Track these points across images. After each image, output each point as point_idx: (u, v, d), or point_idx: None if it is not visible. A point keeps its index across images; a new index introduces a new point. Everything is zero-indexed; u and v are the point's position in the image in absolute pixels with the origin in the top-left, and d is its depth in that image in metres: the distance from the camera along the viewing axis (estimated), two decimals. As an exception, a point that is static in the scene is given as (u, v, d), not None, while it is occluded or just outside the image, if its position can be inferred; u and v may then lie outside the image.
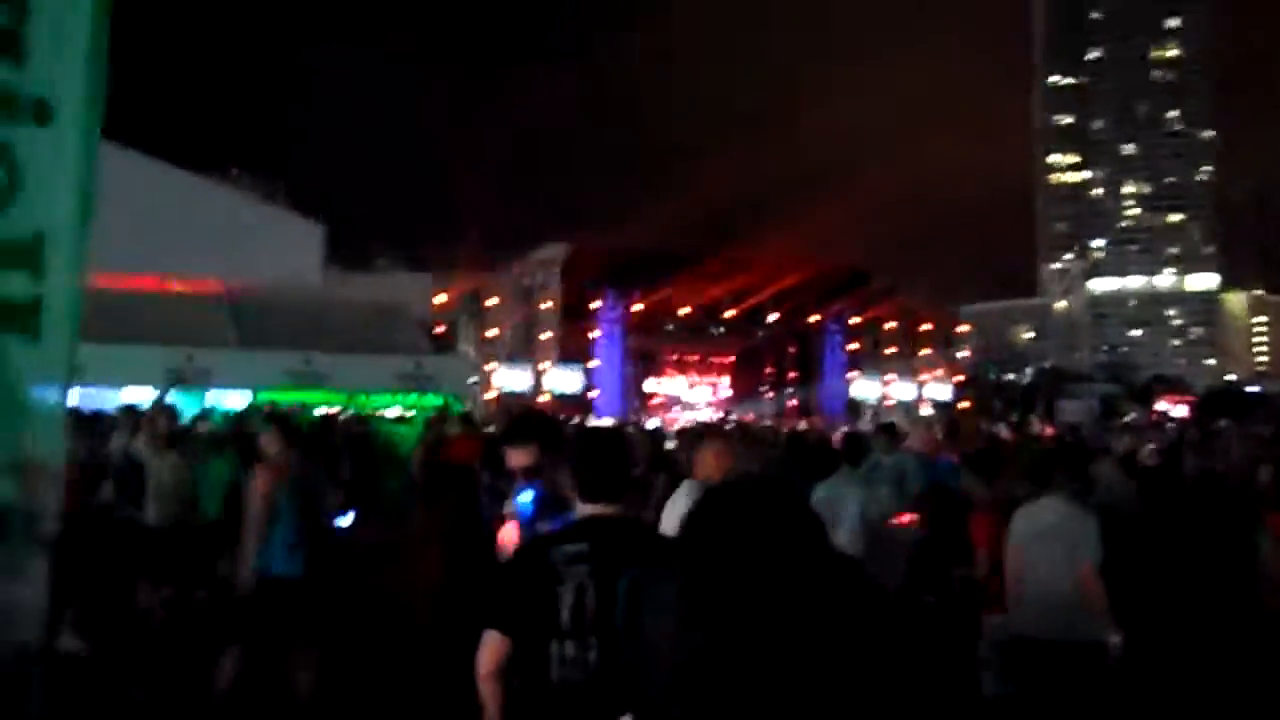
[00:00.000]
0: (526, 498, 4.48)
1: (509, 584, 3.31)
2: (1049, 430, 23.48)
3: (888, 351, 45.62)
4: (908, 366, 46.00)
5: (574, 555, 3.12)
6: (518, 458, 4.74)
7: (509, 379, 32.18)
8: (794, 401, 40.61)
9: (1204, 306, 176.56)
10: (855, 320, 42.77)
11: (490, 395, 31.09)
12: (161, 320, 22.66)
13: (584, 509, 3.43)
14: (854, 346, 43.11)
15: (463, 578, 3.78)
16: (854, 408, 40.05)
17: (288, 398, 22.16)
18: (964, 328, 54.05)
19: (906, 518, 8.23)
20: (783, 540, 1.56)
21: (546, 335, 34.18)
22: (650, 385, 40.30)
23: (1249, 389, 77.67)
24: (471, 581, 3.75)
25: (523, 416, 5.48)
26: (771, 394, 41.27)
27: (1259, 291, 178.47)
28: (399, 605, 6.77)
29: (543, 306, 34.47)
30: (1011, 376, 60.98)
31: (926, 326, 47.43)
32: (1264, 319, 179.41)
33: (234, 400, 22.06)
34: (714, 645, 1.50)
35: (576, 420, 20.43)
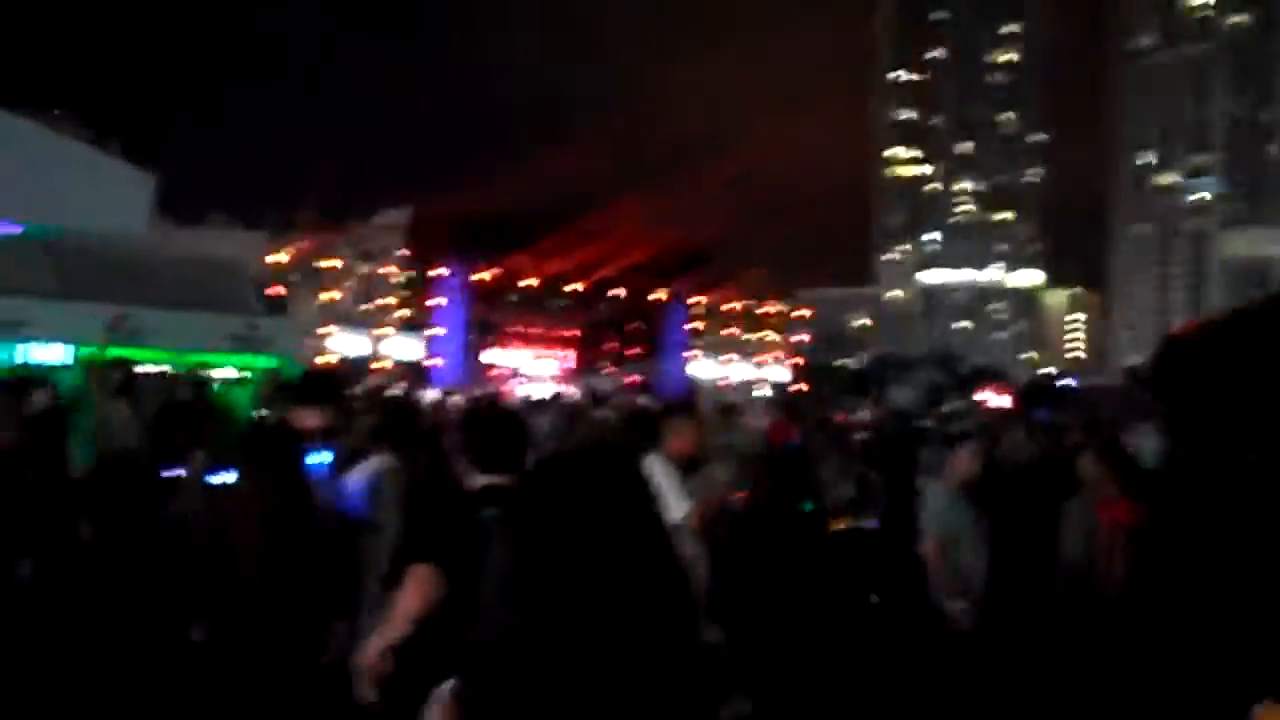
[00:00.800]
0: (322, 458, 4.40)
1: (445, 522, 3.21)
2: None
3: (727, 332, 46.32)
4: (747, 348, 46.77)
5: (496, 519, 2.96)
6: (308, 419, 4.63)
7: (346, 344, 31.50)
8: (634, 377, 40.86)
9: (1026, 302, 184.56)
10: (697, 300, 43.29)
11: (326, 359, 30.38)
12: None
13: (480, 480, 3.38)
14: (695, 325, 43.61)
15: (282, 540, 3.65)
16: (692, 386, 40.54)
17: (109, 353, 21.22)
18: (803, 312, 55.22)
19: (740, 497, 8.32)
20: (611, 508, 1.55)
21: (387, 301, 33.56)
22: (491, 356, 39.97)
23: (1063, 382, 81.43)
24: (291, 545, 3.64)
25: (312, 376, 5.32)
26: (613, 369, 41.43)
27: (1078, 289, 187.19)
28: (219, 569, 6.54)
29: (383, 271, 33.81)
30: (845, 362, 62.59)
31: (767, 309, 48.35)
32: (1081, 316, 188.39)
33: (51, 355, 21.03)
34: (528, 606, 1.51)
35: (404, 390, 20.03)
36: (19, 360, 20.15)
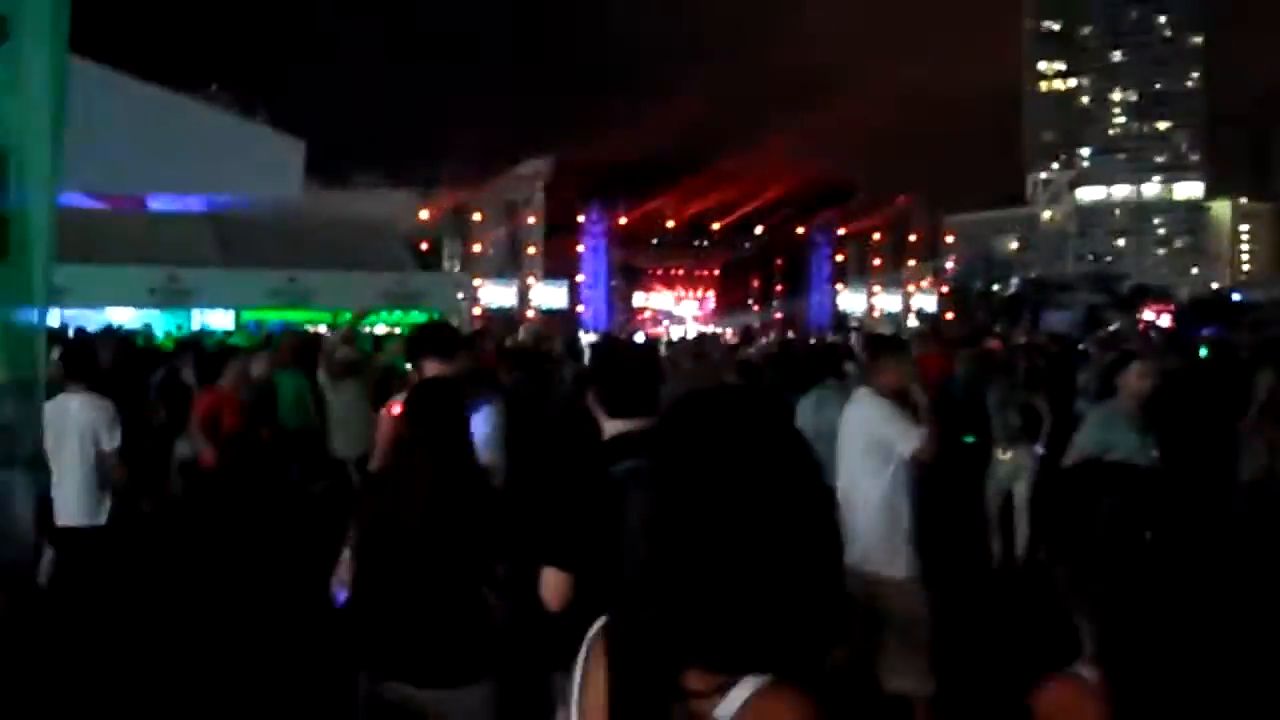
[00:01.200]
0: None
1: (566, 511, 3.09)
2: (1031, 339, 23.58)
3: (874, 263, 45.53)
4: (894, 278, 45.93)
5: (633, 471, 2.79)
6: (432, 368, 4.71)
7: (495, 295, 32.09)
8: (780, 315, 40.62)
9: (1189, 215, 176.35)
10: (842, 232, 42.59)
11: (477, 311, 30.99)
12: (143, 239, 22.53)
13: (614, 426, 3.32)
14: (840, 258, 43.00)
15: (452, 496, 3.74)
16: (840, 320, 40.12)
17: (272, 316, 22.13)
18: (950, 238, 53.95)
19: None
20: (756, 453, 1.54)
21: (532, 250, 33.97)
22: (637, 300, 40.29)
23: (1234, 296, 77.94)
24: (461, 499, 3.72)
25: (430, 329, 5.39)
26: (758, 307, 41.25)
27: (1244, 200, 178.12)
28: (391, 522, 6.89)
29: (528, 221, 34.19)
30: (997, 287, 60.97)
31: (913, 238, 47.29)
32: (1248, 227, 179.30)
33: (218, 319, 22.04)
34: (668, 553, 1.52)
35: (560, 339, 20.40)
36: (193, 326, 21.23)
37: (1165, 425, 6.67)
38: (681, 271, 41.43)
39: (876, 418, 5.41)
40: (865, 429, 5.42)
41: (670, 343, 20.65)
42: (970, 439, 9.71)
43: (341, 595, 4.19)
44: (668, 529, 1.52)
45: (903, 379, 5.54)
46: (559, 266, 34.57)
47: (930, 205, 49.62)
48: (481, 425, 4.78)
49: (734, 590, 1.47)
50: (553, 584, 3.11)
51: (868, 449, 5.39)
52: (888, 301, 44.56)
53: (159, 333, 19.15)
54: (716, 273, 42.14)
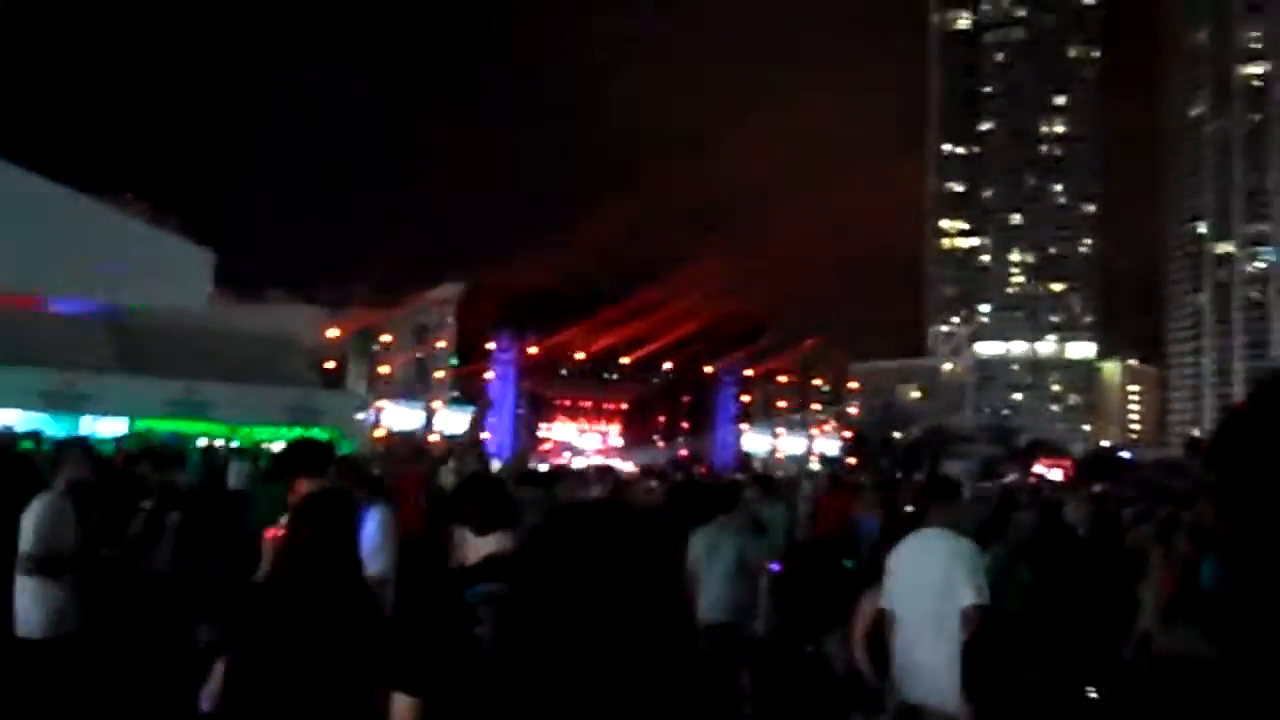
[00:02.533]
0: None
1: (415, 630, 2.98)
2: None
3: (780, 404, 46.15)
4: (799, 420, 46.53)
5: (489, 595, 2.67)
6: (306, 485, 4.67)
7: (400, 417, 31.76)
8: (685, 452, 40.78)
9: (1082, 374, 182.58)
10: (749, 372, 43.19)
11: (380, 433, 30.61)
12: (37, 340, 21.88)
13: (480, 545, 3.30)
14: (746, 399, 43.50)
15: (331, 607, 3.62)
16: (744, 459, 40.36)
17: (167, 427, 21.55)
18: (854, 384, 54.96)
19: (775, 566, 8.33)
20: (617, 565, 1.54)
21: (439, 375, 33.90)
22: (543, 430, 40.18)
23: (1122, 454, 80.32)
24: (341, 611, 3.61)
25: (304, 443, 5.37)
26: (663, 443, 41.40)
27: (1133, 362, 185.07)
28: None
29: (437, 346, 34.18)
30: (899, 434, 62.07)
31: (818, 382, 48.17)
32: (1137, 388, 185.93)
33: (111, 427, 21.37)
34: (531, 656, 1.52)
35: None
36: (80, 433, 20.54)
37: (1055, 570, 6.82)
38: (589, 404, 41.51)
39: (971, 562, 5.45)
40: (957, 569, 5.41)
41: (571, 473, 20.51)
42: (849, 564, 9.82)
43: (206, 704, 4.06)
44: (531, 644, 1.53)
45: (953, 523, 5.69)
46: (466, 392, 34.55)
47: (836, 350, 50.64)
48: (369, 535, 4.70)
49: (598, 706, 1.46)
50: (401, 711, 3.01)
51: (948, 589, 5.39)
52: (791, 443, 45.02)
53: (50, 438, 18.50)
54: (624, 406, 42.31)
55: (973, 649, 5.32)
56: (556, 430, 40.76)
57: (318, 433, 24.18)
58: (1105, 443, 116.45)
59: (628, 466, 28.86)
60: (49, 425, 19.95)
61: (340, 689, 3.54)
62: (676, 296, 40.47)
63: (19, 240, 19.12)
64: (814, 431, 46.27)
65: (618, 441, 41.65)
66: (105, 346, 23.31)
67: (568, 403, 41.16)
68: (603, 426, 41.98)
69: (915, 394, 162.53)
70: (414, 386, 33.22)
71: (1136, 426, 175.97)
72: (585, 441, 40.92)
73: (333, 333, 31.15)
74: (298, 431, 24.33)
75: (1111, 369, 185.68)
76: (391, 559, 5.14)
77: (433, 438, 31.31)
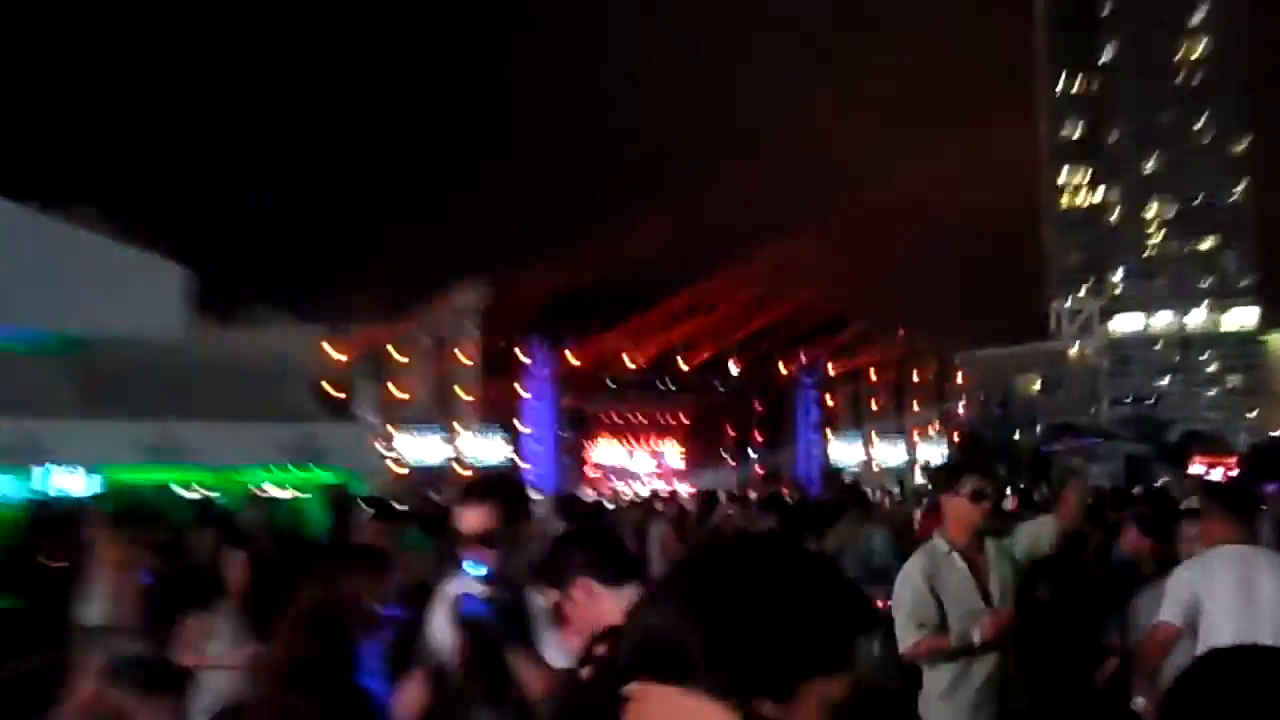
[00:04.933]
0: (477, 571, 4.27)
1: None
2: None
3: (872, 407, 45.89)
4: (895, 425, 46.30)
5: None
6: (470, 518, 4.59)
7: (419, 449, 31.99)
8: (760, 469, 40.63)
9: (1243, 348, 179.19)
10: (832, 371, 42.97)
11: (401, 469, 30.85)
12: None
13: (612, 600, 3.28)
14: (830, 402, 43.31)
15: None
16: (832, 475, 40.19)
17: (143, 478, 21.84)
18: (961, 378, 54.56)
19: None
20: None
21: (464, 395, 34.05)
22: (589, 453, 40.34)
23: (1299, 445, 78.77)
24: None
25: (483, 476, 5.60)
26: (733, 462, 41.31)
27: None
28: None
29: (460, 361, 34.34)
30: (1018, 435, 61.49)
31: (917, 377, 47.80)
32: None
33: (73, 482, 21.68)
34: None
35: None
36: (38, 489, 20.85)
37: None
38: (642, 419, 41.56)
39: None
40: None
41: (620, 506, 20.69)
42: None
43: None
44: None
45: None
46: (497, 414, 34.65)
47: (937, 339, 50.33)
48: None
49: None
50: None
51: None
52: (888, 452, 44.85)
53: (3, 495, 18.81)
54: (684, 420, 42.32)
55: None
56: (604, 452, 40.89)
57: (324, 475, 24.42)
58: (1277, 432, 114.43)
59: (692, 489, 28.84)
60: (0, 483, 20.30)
61: None
62: (741, 288, 40.39)
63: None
64: (915, 437, 46.07)
65: (678, 462, 41.65)
66: (63, 386, 23.65)
67: (617, 419, 41.26)
68: (661, 445, 42.07)
69: (1036, 385, 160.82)
70: (434, 411, 33.44)
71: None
72: (638, 464, 40.99)
73: (335, 355, 31.43)
74: (297, 475, 24.59)
75: (1278, 340, 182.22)
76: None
77: (461, 471, 31.51)
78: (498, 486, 4.94)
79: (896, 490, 32.08)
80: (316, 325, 32.21)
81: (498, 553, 4.25)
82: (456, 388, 33.96)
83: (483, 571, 4.20)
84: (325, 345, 31.39)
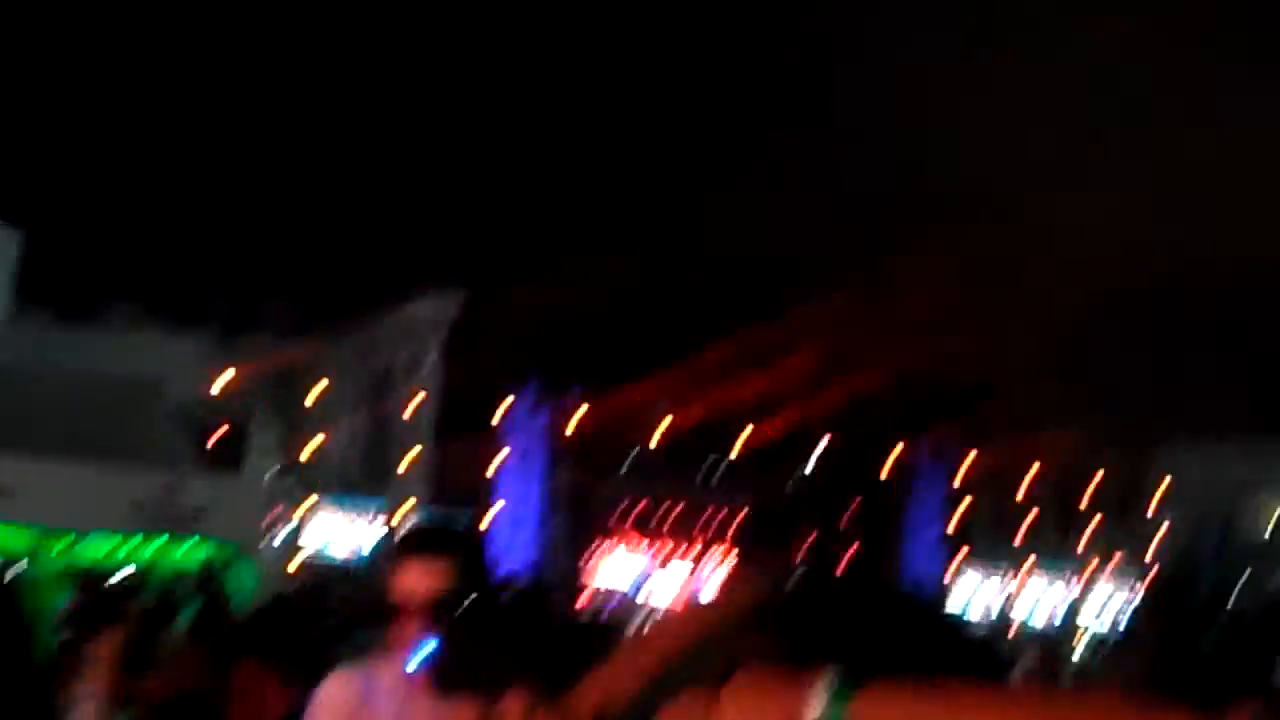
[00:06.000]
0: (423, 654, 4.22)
1: None
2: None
3: (1020, 525, 45.53)
4: (1058, 555, 45.94)
5: None
6: (419, 579, 4.81)
7: (336, 528, 32.05)
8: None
9: None
10: (968, 468, 42.70)
11: (300, 555, 30.82)
12: None
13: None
14: (959, 511, 43.02)
15: None
16: (955, 620, 40.22)
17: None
18: (1165, 485, 54.06)
19: None
20: None
21: (413, 453, 34.04)
22: (593, 555, 40.05)
23: None
24: None
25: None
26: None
27: None
28: None
29: (409, 404, 34.47)
30: (1238, 589, 60.80)
31: (1095, 483, 47.41)
32: None
33: None
34: None
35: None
36: None
37: None
38: (676, 514, 41.13)
39: None
40: None
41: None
42: None
43: None
44: None
45: None
46: (458, 486, 34.59)
47: (1131, 428, 49.96)
48: None
49: None
50: None
51: None
52: (1043, 593, 44.42)
53: None
54: (737, 521, 41.97)
55: None
56: (616, 559, 40.66)
57: (196, 550, 24.64)
58: None
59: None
60: None
61: None
62: (834, 331, 40.25)
63: None
64: (1087, 575, 45.58)
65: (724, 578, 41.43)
66: None
67: (638, 511, 40.88)
68: (700, 555, 41.69)
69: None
70: (367, 472, 33.60)
71: None
72: (665, 580, 40.60)
73: (224, 378, 31.37)
74: (157, 545, 24.90)
75: None
76: None
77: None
78: (455, 538, 5.23)
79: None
80: (201, 335, 32.09)
81: (454, 629, 4.21)
82: (402, 442, 33.95)
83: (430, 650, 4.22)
84: (213, 365, 31.30)
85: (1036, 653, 38.00)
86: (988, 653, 2.08)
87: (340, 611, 18.98)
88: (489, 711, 3.70)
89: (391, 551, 5.39)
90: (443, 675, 4.05)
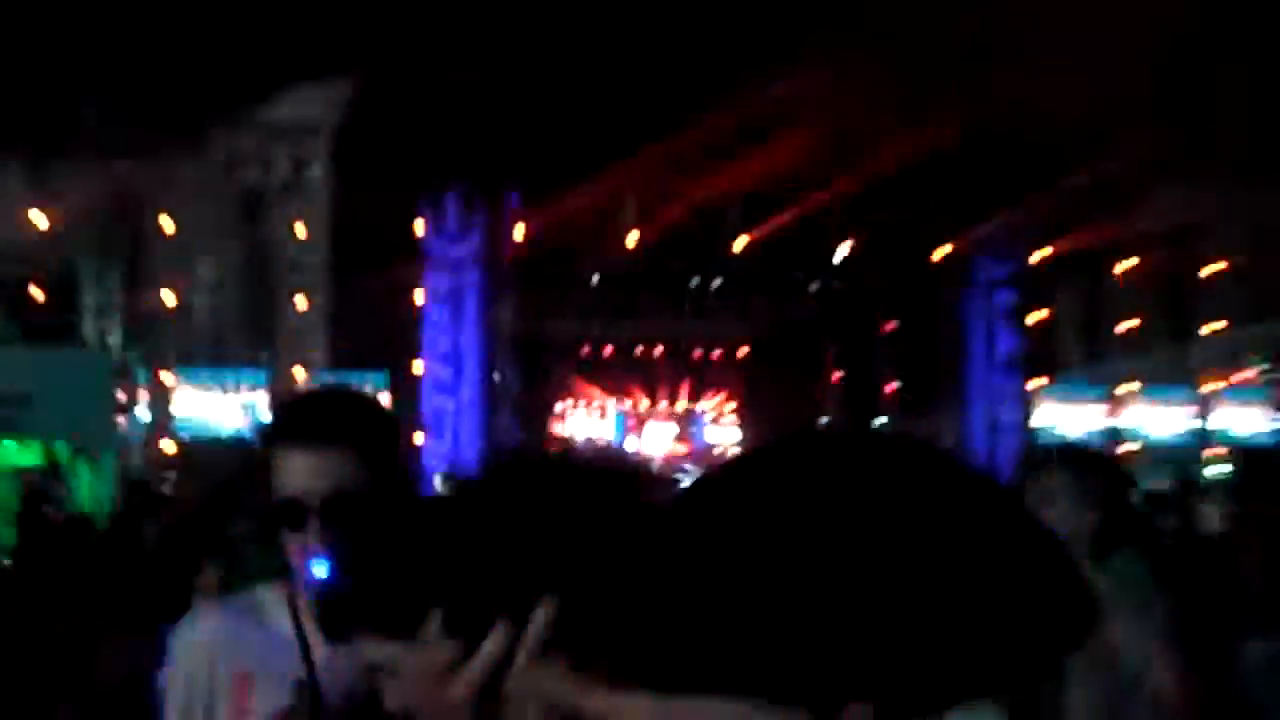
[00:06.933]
0: (320, 569, 4.28)
1: None
2: None
3: (1121, 328, 45.74)
4: (1169, 362, 46.25)
5: None
6: (304, 474, 4.77)
7: (200, 403, 32.34)
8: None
9: None
10: (1039, 256, 42.85)
11: (168, 441, 31.07)
12: None
13: None
14: (1038, 316, 43.19)
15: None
16: (1036, 459, 40.18)
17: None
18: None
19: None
20: None
21: (301, 299, 34.19)
22: (548, 412, 40.36)
23: None
24: None
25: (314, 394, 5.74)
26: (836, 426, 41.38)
27: None
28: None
29: (294, 228, 34.45)
30: None
31: (1213, 269, 47.57)
32: None
33: None
34: None
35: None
36: None
37: None
38: (658, 349, 41.21)
39: None
40: None
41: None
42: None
43: None
44: None
45: None
46: (365, 339, 34.75)
47: (1259, 200, 50.21)
48: None
49: None
50: None
51: None
52: (1155, 417, 44.71)
53: None
54: (738, 354, 42.01)
55: None
56: (580, 415, 40.93)
57: (13, 448, 25.07)
58: None
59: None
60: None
61: None
62: (857, 91, 39.91)
63: None
64: (1205, 388, 45.83)
65: (723, 435, 41.58)
66: None
67: (609, 351, 41.05)
68: (691, 401, 41.95)
69: None
70: (242, 329, 33.82)
71: None
72: (647, 439, 40.86)
73: (42, 219, 31.48)
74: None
75: None
76: None
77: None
78: (350, 415, 5.02)
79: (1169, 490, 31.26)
80: (6, 166, 32.16)
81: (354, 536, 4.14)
82: (287, 286, 34.06)
83: (324, 573, 4.09)
84: (19, 205, 31.35)
85: (1167, 473, 38.15)
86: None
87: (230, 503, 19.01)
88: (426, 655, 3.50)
89: (264, 438, 5.00)
90: (329, 613, 3.56)
